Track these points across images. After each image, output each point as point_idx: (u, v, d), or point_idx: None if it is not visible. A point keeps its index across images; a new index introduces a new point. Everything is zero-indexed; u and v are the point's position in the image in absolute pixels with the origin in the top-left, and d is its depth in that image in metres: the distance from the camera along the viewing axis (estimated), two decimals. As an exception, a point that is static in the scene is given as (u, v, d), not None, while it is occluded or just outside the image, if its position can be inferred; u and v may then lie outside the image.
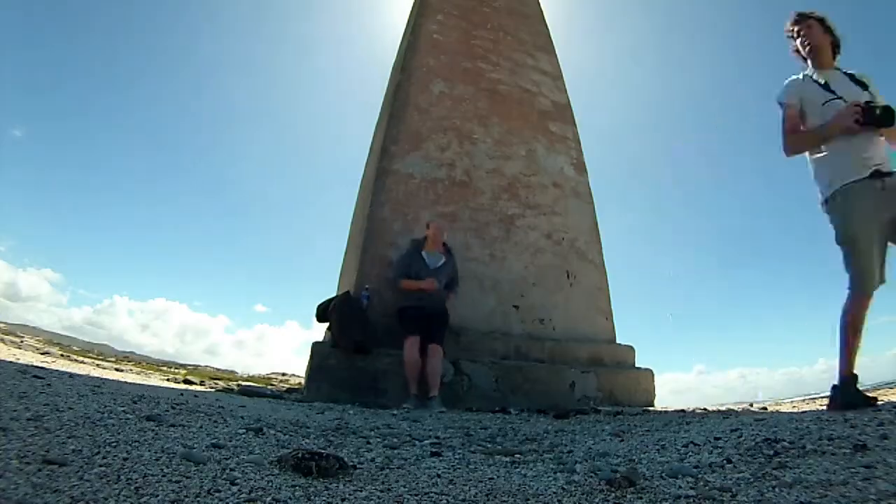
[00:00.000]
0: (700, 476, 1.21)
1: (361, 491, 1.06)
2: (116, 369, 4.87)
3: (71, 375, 2.86)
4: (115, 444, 1.19)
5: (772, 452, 1.37)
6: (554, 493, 1.12)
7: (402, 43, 5.81)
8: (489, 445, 1.85)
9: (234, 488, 0.98)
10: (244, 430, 1.64)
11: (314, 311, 4.05)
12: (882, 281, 2.24)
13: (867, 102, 2.29)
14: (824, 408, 2.41)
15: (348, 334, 3.65)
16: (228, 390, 4.11)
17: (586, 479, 1.22)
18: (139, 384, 3.23)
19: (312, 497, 0.99)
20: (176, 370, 7.06)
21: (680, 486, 1.13)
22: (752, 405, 4.28)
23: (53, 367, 3.30)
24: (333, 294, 4.20)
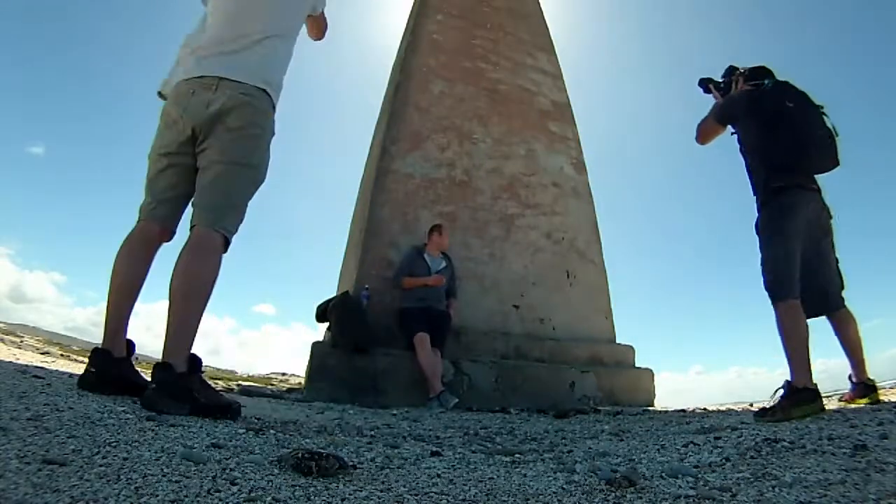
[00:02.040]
0: (700, 476, 1.21)
1: (361, 491, 1.06)
2: (116, 369, 4.85)
3: (71, 375, 2.86)
4: (115, 443, 1.18)
5: (772, 452, 1.37)
6: (554, 492, 1.12)
7: (402, 43, 5.81)
8: (489, 445, 1.85)
9: (234, 488, 0.98)
10: (244, 430, 1.63)
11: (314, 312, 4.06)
12: None
13: None
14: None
15: (347, 334, 3.65)
16: (228, 390, 4.11)
17: (586, 479, 1.22)
18: (139, 384, 3.23)
19: (312, 497, 0.99)
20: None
21: (680, 486, 1.13)
22: (752, 405, 4.28)
23: (53, 366, 3.30)
24: (334, 294, 4.20)
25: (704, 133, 2.78)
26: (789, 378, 2.27)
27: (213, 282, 1.75)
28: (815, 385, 2.23)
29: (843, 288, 2.64)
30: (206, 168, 1.84)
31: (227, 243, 1.82)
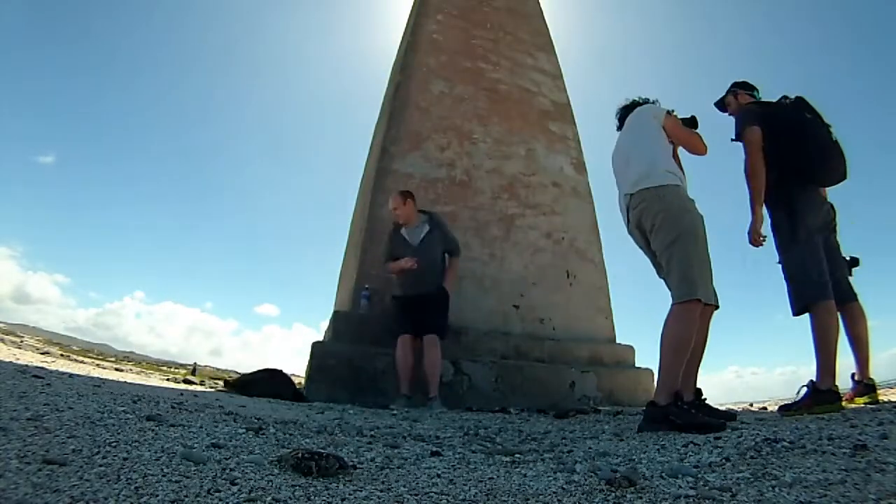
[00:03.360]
0: (700, 476, 1.21)
1: (361, 491, 1.06)
2: (116, 369, 4.86)
3: (71, 375, 2.86)
4: (115, 443, 1.19)
5: (772, 452, 1.37)
6: (554, 492, 1.12)
7: (401, 43, 5.81)
8: (489, 445, 1.85)
9: (234, 488, 0.98)
10: (244, 430, 1.64)
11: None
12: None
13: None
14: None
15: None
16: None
17: (586, 479, 1.22)
18: (139, 384, 3.23)
19: (312, 497, 0.99)
20: (176, 370, 7.06)
21: (680, 486, 1.13)
22: (751, 405, 4.29)
23: (53, 366, 3.30)
24: (334, 294, 4.19)
25: (752, 160, 2.59)
26: (814, 378, 2.39)
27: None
28: (837, 387, 2.36)
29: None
30: None
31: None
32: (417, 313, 3.49)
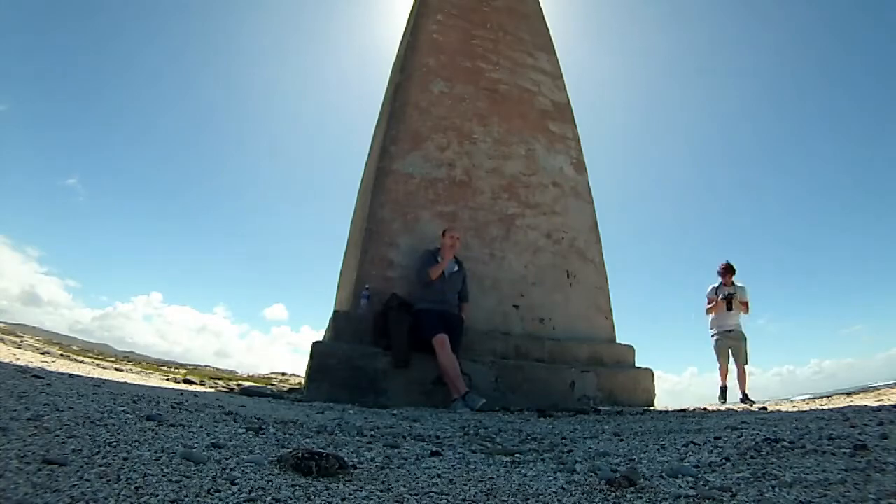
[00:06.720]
0: (700, 475, 1.21)
1: (361, 490, 1.06)
2: (116, 369, 4.86)
3: (71, 375, 2.86)
4: (115, 443, 1.19)
5: (772, 452, 1.37)
6: (554, 492, 1.12)
7: (401, 43, 5.80)
8: (489, 445, 1.85)
9: (234, 488, 0.98)
10: (244, 430, 1.64)
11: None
12: None
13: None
14: (823, 408, 2.41)
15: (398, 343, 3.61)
16: (229, 390, 4.10)
17: (586, 479, 1.22)
18: (139, 384, 3.23)
19: (312, 497, 0.99)
20: (176, 370, 7.05)
21: (680, 486, 1.13)
22: (752, 405, 4.28)
23: (53, 366, 3.30)
24: (335, 295, 4.18)
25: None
26: None
27: None
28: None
29: None
30: None
31: None
32: (445, 327, 3.68)
